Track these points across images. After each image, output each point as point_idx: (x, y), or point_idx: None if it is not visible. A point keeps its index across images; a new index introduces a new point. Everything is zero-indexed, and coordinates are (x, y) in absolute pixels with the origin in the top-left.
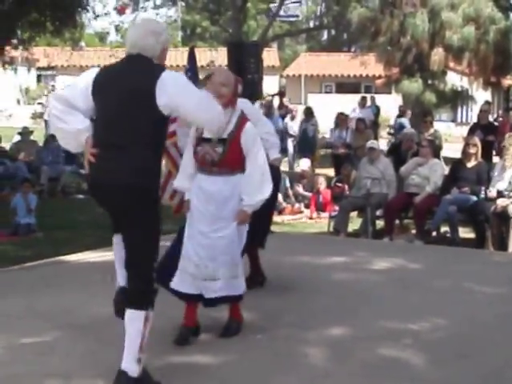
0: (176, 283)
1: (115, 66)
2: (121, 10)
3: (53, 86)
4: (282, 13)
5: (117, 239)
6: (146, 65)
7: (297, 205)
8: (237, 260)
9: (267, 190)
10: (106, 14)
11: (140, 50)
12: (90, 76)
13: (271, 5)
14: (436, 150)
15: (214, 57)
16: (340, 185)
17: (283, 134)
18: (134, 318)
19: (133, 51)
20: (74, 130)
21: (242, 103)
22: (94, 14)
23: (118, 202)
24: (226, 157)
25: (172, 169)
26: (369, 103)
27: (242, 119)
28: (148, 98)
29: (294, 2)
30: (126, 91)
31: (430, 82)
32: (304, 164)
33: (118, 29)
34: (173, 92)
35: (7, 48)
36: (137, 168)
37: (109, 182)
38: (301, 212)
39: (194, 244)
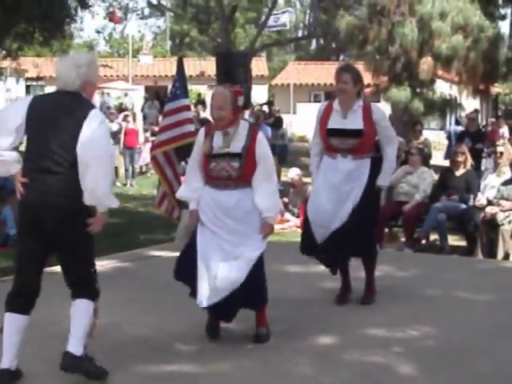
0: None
1: (46, 99)
2: (113, 19)
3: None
4: (270, 22)
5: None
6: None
7: (286, 214)
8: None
9: (279, 200)
10: (103, 28)
11: (63, 85)
12: (22, 108)
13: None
14: (425, 158)
15: (203, 66)
16: None
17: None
18: (84, 308)
19: (60, 86)
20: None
21: None
22: (96, 31)
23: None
24: (242, 171)
25: (160, 176)
26: None
27: (253, 131)
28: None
29: (282, 12)
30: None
31: (418, 90)
32: (293, 172)
33: (107, 39)
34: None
35: None
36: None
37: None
38: (288, 221)
39: (212, 260)
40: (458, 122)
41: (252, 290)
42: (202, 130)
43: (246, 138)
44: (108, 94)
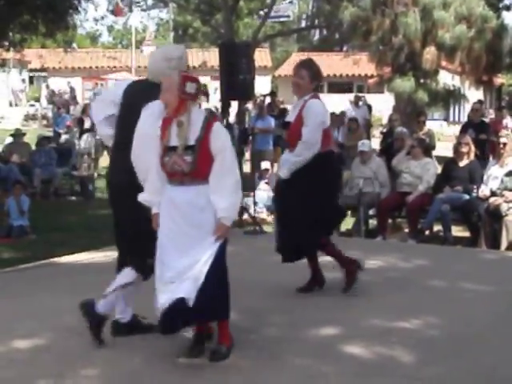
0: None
1: (137, 87)
2: (117, 12)
3: (47, 86)
4: (273, 13)
5: None
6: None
7: None
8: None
9: (239, 197)
10: (102, 17)
11: (152, 76)
12: (119, 90)
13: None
14: (427, 149)
15: (206, 57)
16: None
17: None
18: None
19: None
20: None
21: None
22: (93, 19)
23: None
24: (196, 165)
25: None
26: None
27: (209, 120)
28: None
29: (288, 3)
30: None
31: (422, 80)
32: None
33: (110, 30)
34: None
35: None
36: None
37: None
38: None
39: (168, 261)
40: None
41: (205, 301)
42: (159, 121)
43: (200, 128)
44: (102, 84)
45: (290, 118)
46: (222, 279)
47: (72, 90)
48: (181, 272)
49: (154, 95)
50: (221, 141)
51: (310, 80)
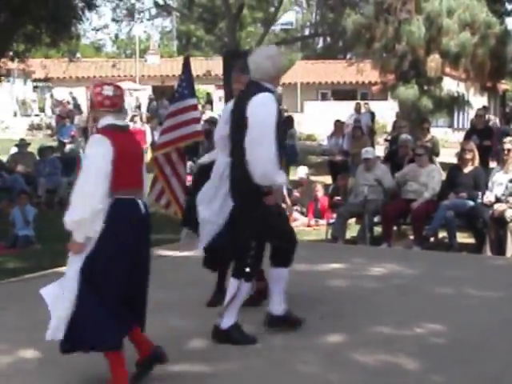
0: None
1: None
2: (130, 15)
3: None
4: (277, 21)
5: None
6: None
7: (294, 213)
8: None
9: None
10: (104, 26)
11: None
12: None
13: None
14: (431, 156)
15: (210, 66)
16: (339, 198)
17: None
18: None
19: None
20: None
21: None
22: (94, 28)
23: None
24: None
25: (158, 173)
26: (363, 110)
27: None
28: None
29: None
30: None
31: (426, 87)
32: (301, 171)
33: (114, 40)
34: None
35: (3, 60)
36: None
37: None
38: (296, 220)
39: None
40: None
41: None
42: None
43: None
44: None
45: None
46: (87, 306)
47: (74, 99)
48: None
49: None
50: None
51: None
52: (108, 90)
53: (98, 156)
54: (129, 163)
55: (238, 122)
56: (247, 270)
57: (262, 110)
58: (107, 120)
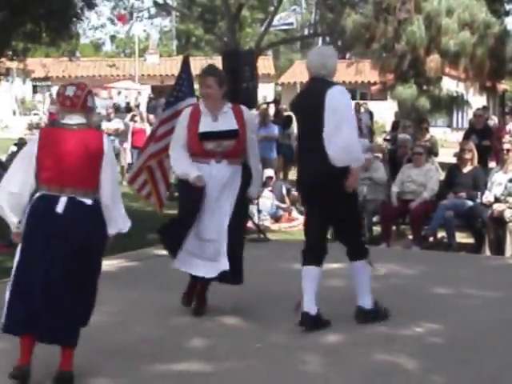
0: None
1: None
2: (122, 19)
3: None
4: (276, 21)
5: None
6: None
7: (294, 212)
8: None
9: None
10: (102, 25)
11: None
12: None
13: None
14: (429, 156)
15: None
16: None
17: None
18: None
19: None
20: None
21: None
22: (92, 26)
23: None
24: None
25: (143, 167)
26: (362, 110)
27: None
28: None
29: (291, 11)
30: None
31: (425, 87)
32: None
33: (112, 39)
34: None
35: (2, 59)
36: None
37: None
38: (295, 219)
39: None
40: None
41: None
42: None
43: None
44: (96, 95)
45: (227, 126)
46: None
47: None
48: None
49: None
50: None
51: (219, 86)
52: (69, 91)
53: (26, 148)
54: (57, 160)
55: (313, 113)
56: (366, 246)
57: (344, 97)
58: (61, 118)
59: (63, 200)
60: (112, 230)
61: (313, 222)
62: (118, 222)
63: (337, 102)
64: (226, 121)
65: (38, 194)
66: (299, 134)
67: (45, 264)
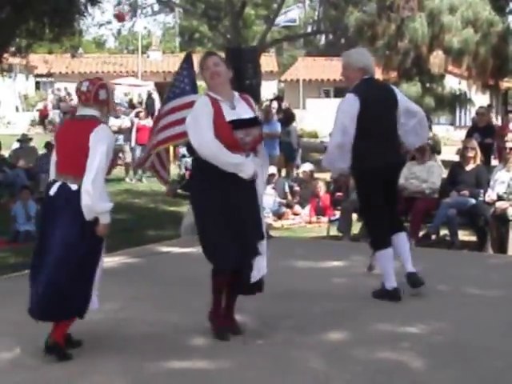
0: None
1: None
2: (120, 17)
3: (53, 90)
4: (279, 18)
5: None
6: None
7: (296, 207)
8: None
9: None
10: (107, 22)
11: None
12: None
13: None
14: (432, 153)
15: None
16: (340, 194)
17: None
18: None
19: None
20: None
21: None
22: (97, 23)
23: None
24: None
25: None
26: None
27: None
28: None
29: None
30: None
31: (428, 85)
32: (302, 168)
33: (116, 36)
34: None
35: (5, 55)
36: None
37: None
38: (298, 214)
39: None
40: None
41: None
42: None
43: None
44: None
45: (247, 114)
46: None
47: (69, 94)
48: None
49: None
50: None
51: (226, 66)
52: (83, 87)
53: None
54: (58, 149)
55: (391, 108)
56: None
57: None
58: (77, 111)
59: (57, 185)
60: (89, 216)
61: (380, 207)
62: (96, 208)
63: (405, 98)
64: (244, 108)
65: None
66: (373, 124)
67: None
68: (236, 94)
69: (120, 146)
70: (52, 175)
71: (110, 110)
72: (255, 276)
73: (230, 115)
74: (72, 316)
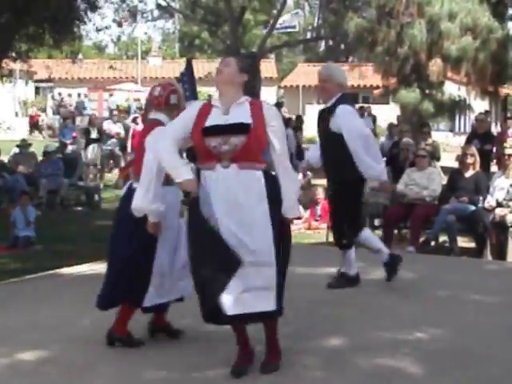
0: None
1: None
2: (119, 23)
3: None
4: (279, 24)
5: None
6: None
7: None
8: None
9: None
10: (106, 27)
11: None
12: None
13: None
14: (431, 159)
15: (212, 68)
16: None
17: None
18: None
19: None
20: None
21: None
22: (96, 28)
23: None
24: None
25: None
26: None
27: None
28: None
29: (294, 14)
30: None
31: (427, 91)
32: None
33: (115, 41)
34: None
35: (5, 61)
36: None
37: None
38: (300, 218)
39: None
40: None
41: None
42: None
43: None
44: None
45: (236, 119)
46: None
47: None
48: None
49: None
50: None
51: (239, 69)
52: (156, 92)
53: None
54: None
55: None
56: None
57: None
58: (151, 115)
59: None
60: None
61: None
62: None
63: None
64: (238, 114)
65: None
66: None
67: None
68: (244, 98)
69: (108, 150)
70: None
71: (179, 114)
72: None
73: (212, 120)
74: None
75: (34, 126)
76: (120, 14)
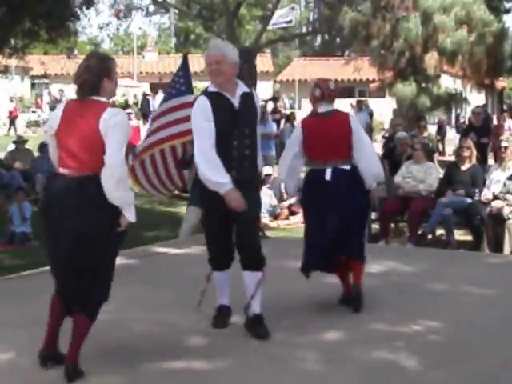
0: None
1: None
2: (117, 15)
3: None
4: (275, 19)
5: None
6: None
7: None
8: None
9: None
10: (107, 24)
11: None
12: None
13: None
14: (429, 154)
15: None
16: None
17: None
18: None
19: None
20: None
21: None
22: (98, 25)
23: None
24: None
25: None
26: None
27: None
28: None
29: (290, 8)
30: None
31: (423, 85)
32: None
33: (111, 37)
34: None
35: (1, 57)
36: None
37: None
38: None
39: None
40: None
41: None
42: None
43: None
44: None
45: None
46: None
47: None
48: None
49: None
50: None
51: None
52: (331, 85)
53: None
54: (320, 141)
55: None
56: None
57: None
58: (320, 108)
59: (329, 170)
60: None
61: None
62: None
63: None
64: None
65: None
66: None
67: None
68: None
69: None
70: None
71: None
72: None
73: None
74: None
75: (13, 121)
76: (115, 9)
